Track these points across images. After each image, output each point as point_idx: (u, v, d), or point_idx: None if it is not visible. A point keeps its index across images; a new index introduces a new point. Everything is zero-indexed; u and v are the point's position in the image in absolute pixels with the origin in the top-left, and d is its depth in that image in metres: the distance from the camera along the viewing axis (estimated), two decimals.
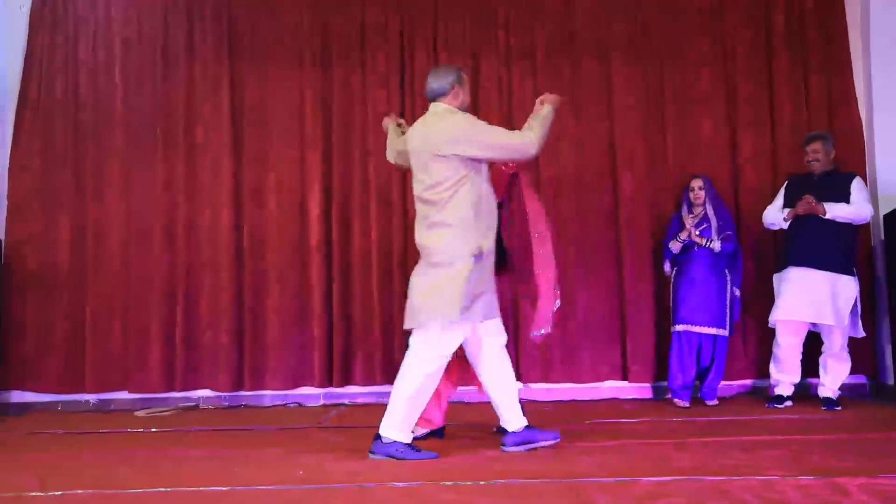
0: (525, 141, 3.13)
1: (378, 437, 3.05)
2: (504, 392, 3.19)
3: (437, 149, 3.06)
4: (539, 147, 3.15)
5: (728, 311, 4.49)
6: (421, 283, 3.10)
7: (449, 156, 3.05)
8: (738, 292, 4.57)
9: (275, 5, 5.14)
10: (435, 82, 3.19)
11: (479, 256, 3.04)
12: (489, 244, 3.10)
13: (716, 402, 4.52)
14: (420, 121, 3.25)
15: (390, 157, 3.53)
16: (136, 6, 5.13)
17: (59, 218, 4.99)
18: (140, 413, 4.69)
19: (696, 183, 4.59)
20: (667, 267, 4.70)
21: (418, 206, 3.17)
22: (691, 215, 4.59)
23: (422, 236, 3.13)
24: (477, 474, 2.74)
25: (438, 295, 3.02)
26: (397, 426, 3.03)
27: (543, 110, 3.25)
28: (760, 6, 5.12)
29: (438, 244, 3.06)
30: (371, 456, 3.03)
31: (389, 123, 3.61)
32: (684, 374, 4.48)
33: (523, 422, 3.20)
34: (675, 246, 4.56)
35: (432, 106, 3.20)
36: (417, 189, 3.16)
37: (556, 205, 4.97)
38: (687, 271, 4.53)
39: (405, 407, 3.04)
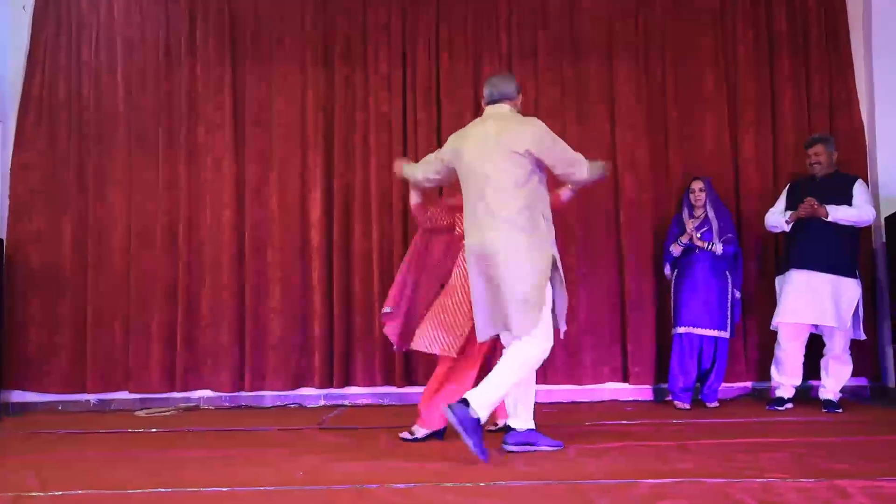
0: (587, 166, 3.24)
1: (509, 428, 3.18)
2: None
3: (519, 146, 3.07)
4: (588, 179, 3.29)
5: (729, 313, 4.49)
6: (518, 288, 3.03)
7: (524, 155, 3.07)
8: (738, 294, 4.57)
9: (277, 5, 5.14)
10: (505, 86, 3.26)
11: (556, 263, 3.14)
12: (556, 251, 3.19)
13: (716, 404, 4.51)
14: (480, 122, 3.26)
15: (423, 177, 3.45)
16: (139, 6, 5.14)
17: (62, 217, 5.00)
18: (140, 413, 4.70)
19: (697, 185, 4.59)
20: (667, 270, 4.70)
21: (484, 205, 3.09)
22: (692, 218, 4.58)
23: (494, 238, 3.07)
24: (477, 476, 2.74)
25: (538, 300, 3.05)
26: (524, 417, 3.17)
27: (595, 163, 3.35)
28: (762, 7, 5.12)
29: (522, 246, 3.06)
30: (504, 447, 3.13)
31: (404, 164, 3.64)
32: (685, 376, 4.48)
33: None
34: (675, 249, 4.56)
35: (495, 107, 3.25)
36: (484, 187, 3.09)
37: (560, 209, 4.96)
38: (688, 273, 4.53)
39: (527, 397, 3.18)
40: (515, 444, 3.16)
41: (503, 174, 3.08)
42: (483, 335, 3.18)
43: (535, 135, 3.11)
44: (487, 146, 3.13)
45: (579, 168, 3.22)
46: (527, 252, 3.06)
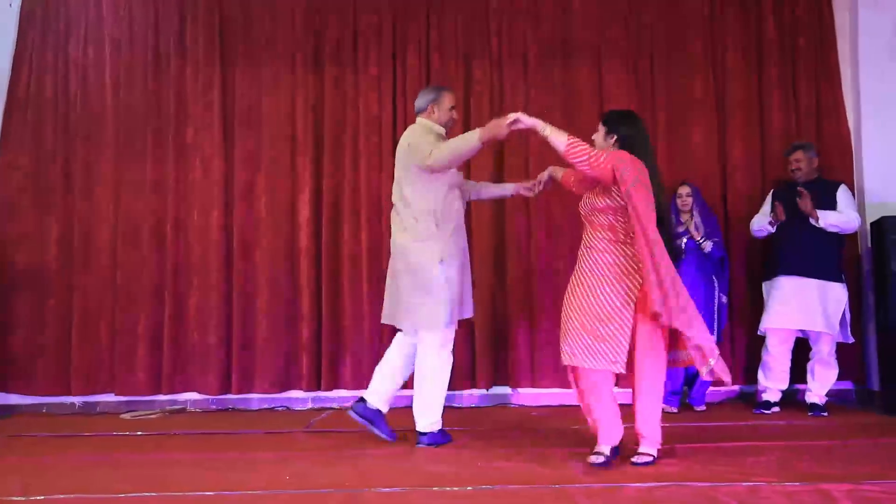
0: (436, 151, 3.46)
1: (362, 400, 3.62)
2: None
3: (408, 159, 3.55)
4: (438, 163, 3.45)
5: (716, 317, 4.51)
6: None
7: (412, 166, 3.57)
8: (725, 299, 4.58)
9: (267, 6, 5.12)
10: (420, 100, 3.70)
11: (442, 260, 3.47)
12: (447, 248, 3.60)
13: (704, 407, 4.53)
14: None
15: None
16: (128, 5, 5.10)
17: (48, 217, 4.95)
18: (126, 416, 4.65)
19: (684, 190, 4.61)
20: None
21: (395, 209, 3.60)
22: (679, 224, 4.59)
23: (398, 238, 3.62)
24: (464, 480, 2.74)
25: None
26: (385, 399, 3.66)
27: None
28: (751, 14, 5.15)
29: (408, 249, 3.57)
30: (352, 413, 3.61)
31: None
32: (673, 379, 4.49)
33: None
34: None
35: (417, 119, 3.68)
36: (398, 191, 3.60)
37: (547, 209, 4.98)
38: None
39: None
40: (360, 415, 3.58)
41: (403, 182, 3.53)
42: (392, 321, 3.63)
43: (409, 142, 3.53)
44: (400, 155, 3.59)
45: (434, 154, 3.42)
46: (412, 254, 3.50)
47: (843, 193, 4.39)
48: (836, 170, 4.86)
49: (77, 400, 4.91)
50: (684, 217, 4.60)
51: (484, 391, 4.92)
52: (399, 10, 5.13)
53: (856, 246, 4.85)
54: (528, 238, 4.99)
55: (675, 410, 4.47)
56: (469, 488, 2.63)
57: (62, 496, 2.61)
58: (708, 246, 4.46)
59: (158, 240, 4.96)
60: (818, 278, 4.28)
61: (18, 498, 2.59)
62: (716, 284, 4.54)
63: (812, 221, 4.29)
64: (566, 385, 4.90)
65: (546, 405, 4.85)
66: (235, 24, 5.11)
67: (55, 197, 4.97)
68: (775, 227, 4.42)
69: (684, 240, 4.51)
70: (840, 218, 4.30)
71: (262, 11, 5.12)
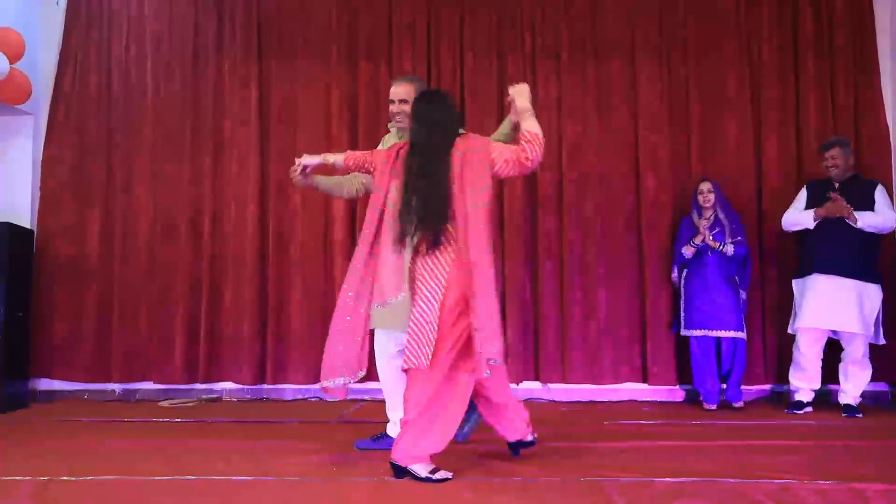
0: None
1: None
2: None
3: None
4: None
5: (743, 314, 4.49)
6: None
7: None
8: (744, 295, 4.56)
9: (304, 3, 5.20)
10: None
11: None
12: None
13: (741, 403, 4.50)
14: None
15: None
16: (168, 3, 5.21)
17: (90, 210, 5.09)
18: (164, 403, 4.77)
19: (706, 186, 4.58)
20: (675, 274, 4.70)
21: None
22: (703, 219, 4.57)
23: None
24: (496, 472, 2.78)
25: None
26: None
27: None
28: (788, 9, 5.09)
29: None
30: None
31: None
32: (708, 377, 4.47)
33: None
34: (688, 251, 4.54)
35: None
36: None
37: (578, 205, 4.99)
38: (699, 275, 4.52)
39: None
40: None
41: None
42: None
43: None
44: None
45: None
46: None
47: (880, 193, 4.33)
48: (873, 168, 4.79)
49: (117, 387, 5.05)
50: (707, 213, 4.57)
51: (514, 385, 4.95)
52: (433, 6, 5.16)
53: (893, 246, 4.76)
54: (559, 233, 4.99)
55: (714, 407, 4.45)
56: (499, 480, 2.66)
57: (110, 477, 2.71)
58: (730, 250, 4.43)
59: (196, 233, 5.07)
60: (855, 278, 4.23)
61: (68, 478, 2.69)
62: (737, 282, 4.52)
63: (850, 223, 4.24)
64: (596, 381, 4.93)
65: (576, 401, 4.87)
66: (272, 20, 5.20)
67: (97, 190, 5.11)
68: (815, 224, 4.35)
69: (710, 235, 4.49)
70: (877, 219, 4.25)
71: (297, 8, 5.19)
